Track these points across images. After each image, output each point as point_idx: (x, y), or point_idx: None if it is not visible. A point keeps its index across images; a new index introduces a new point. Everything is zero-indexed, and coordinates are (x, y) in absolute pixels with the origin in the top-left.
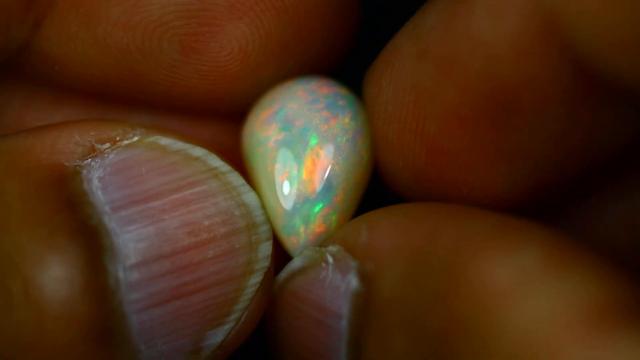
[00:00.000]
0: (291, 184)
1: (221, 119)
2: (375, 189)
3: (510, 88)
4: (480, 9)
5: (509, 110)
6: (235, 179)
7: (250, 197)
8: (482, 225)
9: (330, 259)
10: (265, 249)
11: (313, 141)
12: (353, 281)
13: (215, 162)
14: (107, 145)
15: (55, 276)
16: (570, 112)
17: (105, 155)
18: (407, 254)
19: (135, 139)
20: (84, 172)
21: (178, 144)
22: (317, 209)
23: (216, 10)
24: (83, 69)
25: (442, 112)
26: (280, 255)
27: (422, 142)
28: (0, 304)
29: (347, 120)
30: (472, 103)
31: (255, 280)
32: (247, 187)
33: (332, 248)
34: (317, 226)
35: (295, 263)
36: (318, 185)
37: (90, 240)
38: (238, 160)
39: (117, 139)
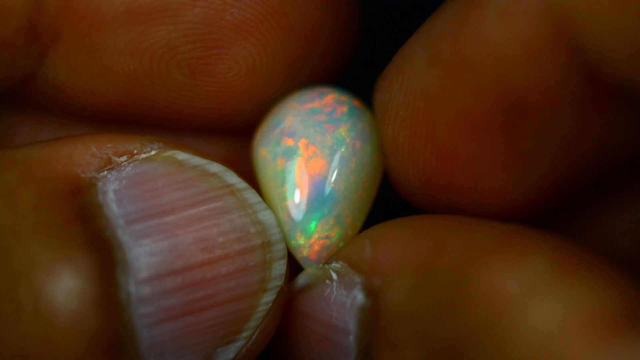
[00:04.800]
0: (287, 198)
1: (231, 135)
2: (385, 198)
3: (521, 91)
4: (490, 13)
5: (520, 114)
6: (252, 196)
7: (266, 214)
8: (487, 235)
9: (334, 276)
10: (280, 268)
11: (310, 153)
12: (359, 296)
13: (232, 178)
14: (124, 158)
15: (66, 288)
16: (581, 115)
17: (122, 168)
18: (414, 267)
19: (153, 152)
20: (100, 184)
21: (195, 160)
22: (315, 222)
23: (222, 33)
24: (89, 97)
25: (453, 117)
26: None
27: (433, 147)
28: (9, 314)
29: (347, 130)
30: (483, 107)
31: (268, 298)
32: (263, 205)
33: (336, 264)
34: (318, 239)
35: (299, 281)
36: (315, 199)
37: (102, 252)
38: (250, 175)
39: (135, 152)
